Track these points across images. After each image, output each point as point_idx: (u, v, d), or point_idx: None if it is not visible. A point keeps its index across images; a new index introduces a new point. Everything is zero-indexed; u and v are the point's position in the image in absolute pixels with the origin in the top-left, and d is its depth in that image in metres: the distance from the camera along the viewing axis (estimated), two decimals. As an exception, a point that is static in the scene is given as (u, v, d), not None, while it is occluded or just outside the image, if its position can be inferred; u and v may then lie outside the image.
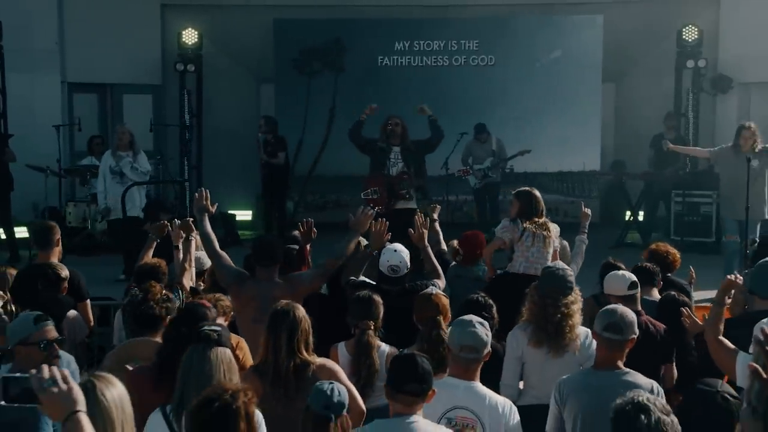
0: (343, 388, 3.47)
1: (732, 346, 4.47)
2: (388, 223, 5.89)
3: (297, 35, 14.54)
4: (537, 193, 6.72)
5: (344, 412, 3.39)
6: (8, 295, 6.11)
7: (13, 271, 6.47)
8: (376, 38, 14.57)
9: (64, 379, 2.66)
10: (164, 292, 4.79)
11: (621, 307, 4.43)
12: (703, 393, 4.27)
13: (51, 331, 4.24)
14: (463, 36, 14.62)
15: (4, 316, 5.69)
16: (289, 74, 14.51)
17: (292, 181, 13.35)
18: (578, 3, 14.68)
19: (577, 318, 4.94)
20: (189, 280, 5.97)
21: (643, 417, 2.97)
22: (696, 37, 13.66)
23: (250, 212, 14.57)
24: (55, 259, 6.50)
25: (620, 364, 4.24)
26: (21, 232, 11.95)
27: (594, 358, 4.48)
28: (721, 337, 4.54)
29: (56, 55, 13.80)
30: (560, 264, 5.41)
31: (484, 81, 14.43)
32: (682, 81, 14.08)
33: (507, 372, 4.96)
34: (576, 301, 4.96)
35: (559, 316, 4.86)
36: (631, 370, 4.24)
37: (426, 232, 6.34)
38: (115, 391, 2.91)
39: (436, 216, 7.00)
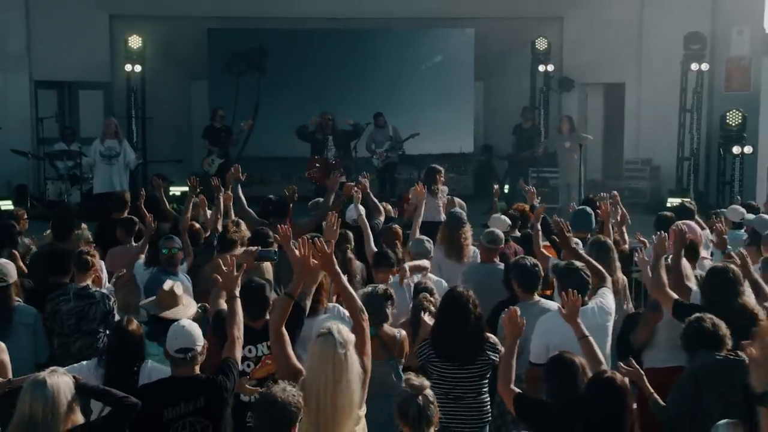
0: None
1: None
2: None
3: (227, 42, 16.86)
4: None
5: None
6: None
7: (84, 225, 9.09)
8: (292, 45, 16.89)
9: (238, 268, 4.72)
10: (234, 228, 7.49)
11: (496, 231, 7.59)
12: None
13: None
14: (361, 44, 17.11)
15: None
16: (220, 74, 16.79)
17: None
18: (455, 18, 16.98)
19: (470, 239, 7.86)
20: (219, 225, 8.74)
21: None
22: (546, 47, 16.57)
23: (185, 188, 16.83)
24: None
25: (496, 260, 7.38)
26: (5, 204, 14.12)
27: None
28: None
29: (25, 57, 15.77)
30: (457, 210, 8.57)
31: (380, 81, 16.89)
32: (536, 81, 16.83)
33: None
34: (468, 229, 7.90)
35: (461, 238, 7.85)
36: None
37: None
38: None
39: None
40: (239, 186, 8.58)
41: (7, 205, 13.95)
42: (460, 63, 17.23)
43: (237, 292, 4.66)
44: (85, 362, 4.92)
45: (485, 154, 17.15)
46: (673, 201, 15.10)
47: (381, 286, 5.73)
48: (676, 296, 5.67)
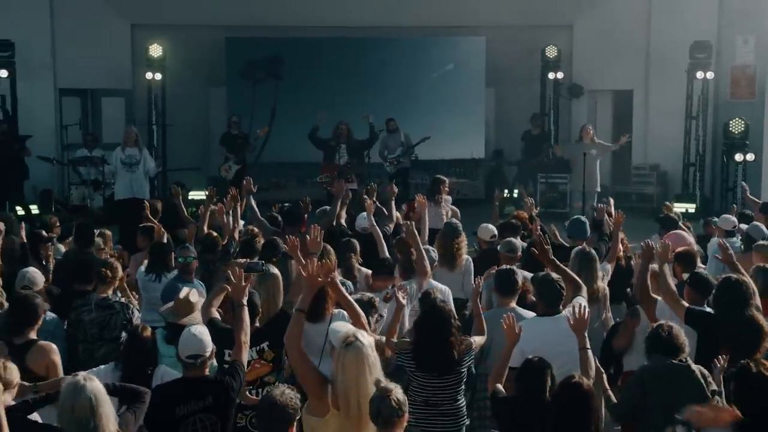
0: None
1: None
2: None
3: (244, 50, 17.33)
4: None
5: None
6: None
7: (109, 233, 9.61)
8: (308, 54, 17.34)
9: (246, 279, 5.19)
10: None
11: (513, 241, 7.97)
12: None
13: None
14: (374, 52, 17.51)
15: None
16: (237, 82, 17.27)
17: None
18: (466, 26, 17.38)
19: (464, 249, 8.13)
20: (236, 234, 9.20)
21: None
22: (555, 54, 16.99)
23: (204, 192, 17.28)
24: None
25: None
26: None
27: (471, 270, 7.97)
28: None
29: (50, 66, 16.31)
30: (453, 220, 8.98)
31: (393, 88, 17.31)
32: (546, 88, 17.20)
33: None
34: (463, 239, 8.16)
35: (455, 248, 8.10)
36: None
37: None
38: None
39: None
40: (251, 197, 8.99)
41: (33, 209, 14.58)
42: (472, 70, 17.66)
43: (244, 301, 5.08)
44: (102, 366, 5.35)
45: (496, 159, 17.51)
46: (679, 206, 15.46)
47: (367, 295, 6.12)
48: (687, 304, 6.00)
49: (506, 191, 16.12)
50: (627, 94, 17.56)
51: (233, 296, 5.20)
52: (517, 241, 7.98)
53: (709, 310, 6.04)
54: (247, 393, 5.33)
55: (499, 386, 4.95)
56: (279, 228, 8.95)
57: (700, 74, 15.68)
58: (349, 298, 5.08)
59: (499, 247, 8.03)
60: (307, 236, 6.18)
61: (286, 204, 9.41)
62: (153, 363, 5.23)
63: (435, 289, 6.63)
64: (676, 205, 15.38)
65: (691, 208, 15.31)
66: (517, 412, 4.70)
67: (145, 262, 7.88)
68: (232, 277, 5.17)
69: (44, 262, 8.17)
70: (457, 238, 8.06)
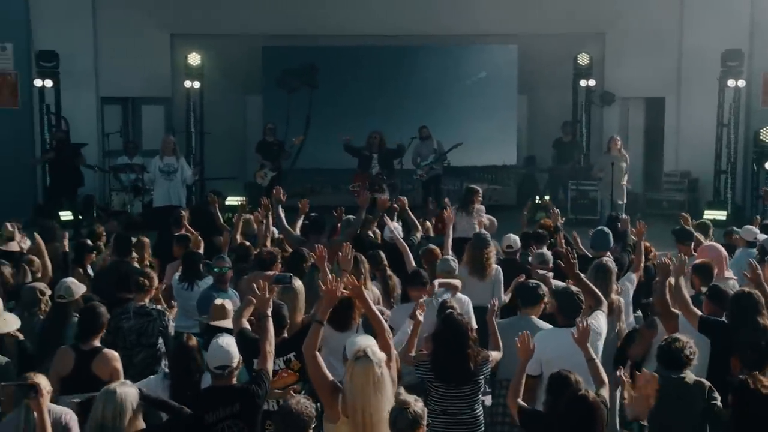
0: None
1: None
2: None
3: (280, 59, 17.67)
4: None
5: None
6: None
7: (147, 240, 9.99)
8: (342, 62, 17.66)
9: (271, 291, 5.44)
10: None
11: (545, 253, 8.17)
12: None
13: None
14: (408, 60, 17.77)
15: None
16: (273, 90, 17.58)
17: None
18: (499, 35, 17.55)
19: (493, 259, 8.33)
20: (268, 242, 9.52)
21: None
22: (588, 62, 17.18)
23: (244, 198, 17.23)
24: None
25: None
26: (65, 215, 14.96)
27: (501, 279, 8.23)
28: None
29: (92, 75, 16.81)
30: (483, 231, 9.21)
31: (427, 95, 17.51)
32: (578, 95, 17.41)
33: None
34: (493, 249, 8.42)
35: (484, 258, 8.33)
36: None
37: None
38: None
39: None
40: (279, 206, 9.21)
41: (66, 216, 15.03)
42: (504, 78, 17.81)
43: (269, 312, 5.37)
44: (152, 376, 5.72)
45: (528, 166, 17.67)
46: (710, 213, 15.56)
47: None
48: (700, 313, 6.20)
49: (537, 198, 16.31)
50: (659, 101, 17.66)
51: (258, 307, 5.49)
52: (548, 253, 8.17)
53: (723, 319, 6.21)
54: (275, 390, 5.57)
55: (520, 401, 5.16)
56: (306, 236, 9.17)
57: (731, 82, 15.73)
58: (375, 311, 5.33)
59: (530, 258, 8.24)
60: (340, 253, 6.39)
61: (313, 214, 9.65)
62: (200, 371, 5.51)
63: (452, 299, 6.84)
64: (706, 212, 15.64)
65: (722, 215, 15.37)
66: (546, 425, 4.87)
67: (180, 269, 8.22)
68: (256, 288, 5.44)
69: (88, 271, 8.53)
70: (486, 249, 8.25)
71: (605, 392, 5.04)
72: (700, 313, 6.20)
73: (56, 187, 15.12)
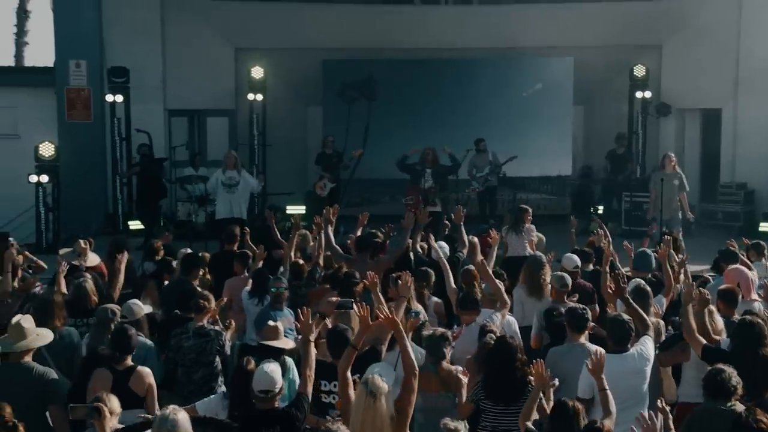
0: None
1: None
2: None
3: (340, 72, 18.11)
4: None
5: None
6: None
7: (207, 255, 10.55)
8: (400, 75, 18.06)
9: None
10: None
11: (566, 276, 8.42)
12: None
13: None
14: (464, 73, 18.04)
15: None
16: (333, 102, 18.01)
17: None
18: (555, 47, 17.77)
19: (547, 278, 8.52)
20: (321, 260, 9.97)
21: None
22: (644, 73, 17.19)
23: (304, 208, 17.24)
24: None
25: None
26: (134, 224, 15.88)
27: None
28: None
29: (160, 89, 17.41)
30: (538, 253, 9.53)
31: (483, 108, 17.76)
32: (634, 107, 17.38)
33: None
34: (548, 270, 8.66)
35: (541, 279, 8.66)
36: None
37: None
38: None
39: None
40: (329, 226, 9.59)
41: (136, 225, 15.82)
42: (560, 90, 18.01)
43: (311, 338, 5.70)
44: (213, 396, 6.19)
45: (583, 176, 17.80)
46: (765, 225, 15.58)
47: (439, 330, 6.75)
48: (704, 341, 6.46)
49: (592, 209, 16.57)
50: (715, 112, 17.61)
51: (301, 331, 5.86)
52: (567, 277, 8.39)
53: (725, 348, 6.43)
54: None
55: (529, 424, 5.47)
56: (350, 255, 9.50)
57: (788, 93, 15.71)
58: (409, 348, 5.59)
59: (550, 281, 8.46)
60: (398, 283, 6.71)
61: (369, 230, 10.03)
62: None
63: (491, 323, 7.18)
64: (762, 224, 15.66)
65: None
66: None
67: (248, 286, 8.75)
68: (301, 315, 5.82)
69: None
70: (542, 270, 8.60)
71: (609, 423, 5.28)
72: (704, 342, 6.45)
73: (142, 199, 15.92)
